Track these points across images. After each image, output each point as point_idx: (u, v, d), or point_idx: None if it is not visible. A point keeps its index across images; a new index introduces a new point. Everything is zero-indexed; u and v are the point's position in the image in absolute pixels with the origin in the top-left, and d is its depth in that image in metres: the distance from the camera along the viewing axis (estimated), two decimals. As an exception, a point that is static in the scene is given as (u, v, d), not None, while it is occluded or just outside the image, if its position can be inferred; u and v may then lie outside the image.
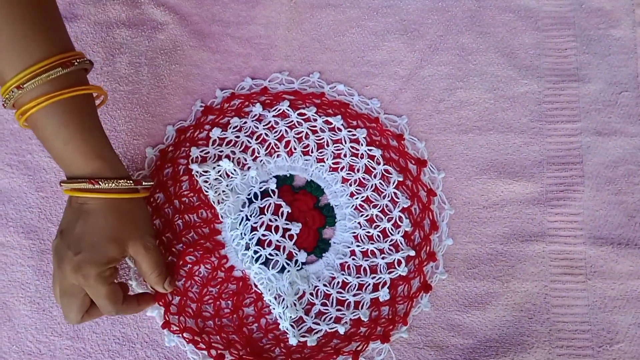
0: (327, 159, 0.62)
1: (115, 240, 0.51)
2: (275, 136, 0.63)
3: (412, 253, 0.59)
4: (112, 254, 0.51)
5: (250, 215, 0.60)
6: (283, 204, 0.60)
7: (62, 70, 0.48)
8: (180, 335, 0.57)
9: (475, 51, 0.67)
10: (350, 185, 0.62)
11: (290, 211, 0.60)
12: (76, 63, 0.50)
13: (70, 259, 0.50)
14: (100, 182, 0.50)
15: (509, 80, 0.66)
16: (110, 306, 0.51)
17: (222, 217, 0.60)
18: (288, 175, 0.62)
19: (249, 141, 0.63)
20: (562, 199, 0.62)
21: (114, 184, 0.51)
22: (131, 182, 0.52)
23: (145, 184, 0.54)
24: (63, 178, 0.61)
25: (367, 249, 0.60)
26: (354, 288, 0.59)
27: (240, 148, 0.63)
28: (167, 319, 0.57)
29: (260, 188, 0.61)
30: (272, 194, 0.61)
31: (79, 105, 0.50)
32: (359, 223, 0.61)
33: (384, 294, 0.58)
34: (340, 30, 0.68)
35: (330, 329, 0.57)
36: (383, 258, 0.59)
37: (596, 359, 0.57)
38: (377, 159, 0.62)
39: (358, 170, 0.62)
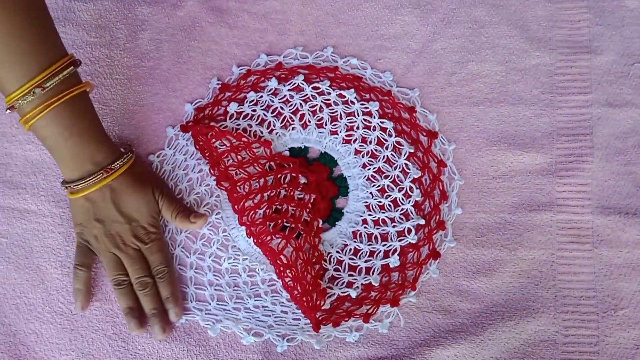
0: (340, 132, 0.64)
1: (148, 193, 0.60)
2: (290, 109, 0.65)
3: (422, 222, 0.62)
4: (152, 199, 0.60)
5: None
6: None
7: (60, 78, 0.53)
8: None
9: (488, 24, 0.68)
10: (363, 156, 0.64)
11: (305, 181, 0.63)
12: (69, 69, 0.54)
13: (125, 227, 0.59)
14: (113, 166, 0.58)
15: (520, 53, 0.67)
16: (165, 259, 0.60)
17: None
18: (303, 147, 0.65)
19: (265, 114, 0.65)
20: (571, 170, 0.63)
21: (121, 162, 0.58)
22: (129, 153, 0.60)
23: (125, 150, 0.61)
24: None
25: (379, 218, 0.62)
26: (366, 255, 0.61)
27: (256, 121, 0.65)
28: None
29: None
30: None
31: (76, 104, 0.55)
32: (371, 193, 0.63)
33: (394, 261, 0.61)
34: (354, 5, 0.69)
35: (342, 293, 0.60)
36: (394, 226, 0.62)
37: (601, 324, 0.59)
38: (389, 131, 0.64)
39: (370, 142, 0.64)
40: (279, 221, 0.61)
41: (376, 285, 0.60)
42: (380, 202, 0.62)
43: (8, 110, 0.54)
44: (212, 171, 0.63)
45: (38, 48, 0.52)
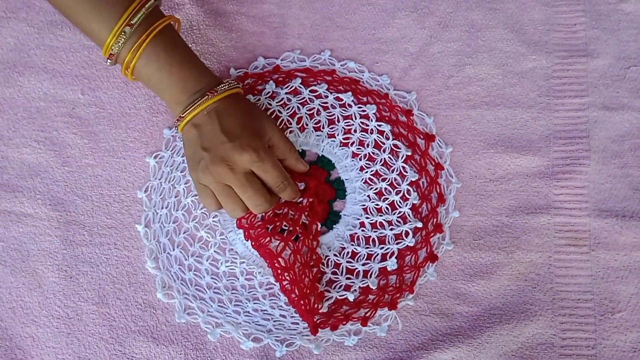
0: (337, 135, 0.65)
1: (257, 118, 0.58)
2: (287, 112, 0.65)
3: (420, 225, 0.62)
4: (264, 127, 0.58)
5: None
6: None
7: (144, 12, 0.55)
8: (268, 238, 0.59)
9: (485, 27, 0.68)
10: (360, 159, 0.64)
11: (304, 186, 0.63)
12: (150, 2, 0.55)
13: (233, 145, 0.55)
14: (217, 88, 0.56)
15: (517, 56, 0.67)
16: (281, 173, 0.57)
17: None
18: (300, 150, 0.65)
19: (262, 117, 0.65)
20: (568, 173, 0.63)
21: (227, 85, 0.57)
22: (236, 82, 0.59)
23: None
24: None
25: (376, 221, 0.62)
26: (363, 258, 0.61)
27: (254, 124, 0.65)
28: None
29: None
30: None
31: (168, 37, 0.57)
32: (368, 196, 0.63)
33: (391, 264, 0.61)
34: (351, 8, 0.69)
35: (340, 296, 0.60)
36: (391, 229, 0.62)
37: (598, 327, 0.59)
38: (387, 134, 0.64)
39: (368, 145, 0.64)
40: (277, 224, 0.61)
41: (374, 288, 0.60)
42: (377, 205, 0.63)
43: (109, 61, 0.56)
44: None
45: None
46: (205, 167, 0.55)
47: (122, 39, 0.55)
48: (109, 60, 0.57)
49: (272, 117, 0.65)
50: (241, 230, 0.61)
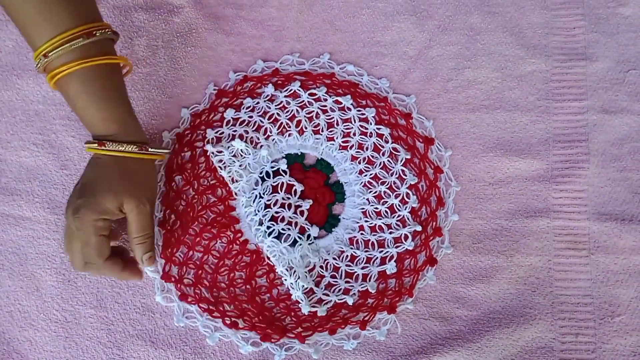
0: (337, 138, 0.64)
1: (113, 192, 0.54)
2: (286, 116, 0.65)
3: (419, 228, 0.61)
4: (107, 204, 0.54)
5: (263, 193, 0.62)
6: (295, 182, 0.63)
7: (84, 40, 0.53)
8: (197, 304, 0.60)
9: (484, 31, 0.68)
10: (360, 163, 0.64)
11: (302, 189, 0.63)
12: (98, 34, 0.54)
13: (73, 202, 0.54)
14: (107, 144, 0.55)
15: (516, 60, 0.67)
16: (94, 256, 0.54)
17: (236, 194, 0.63)
18: (299, 153, 0.65)
19: (261, 121, 0.65)
20: (567, 176, 0.63)
21: (119, 147, 0.55)
22: (138, 147, 0.56)
23: (154, 149, 0.57)
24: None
25: (375, 224, 0.62)
26: (362, 261, 0.61)
27: (253, 127, 0.65)
28: (183, 291, 0.60)
29: (272, 167, 0.63)
30: (283, 174, 0.63)
31: (102, 73, 0.54)
32: (367, 199, 0.63)
33: (391, 267, 0.60)
34: (350, 12, 0.69)
35: (339, 299, 0.59)
36: (390, 233, 0.62)
37: (598, 330, 0.59)
38: (386, 137, 0.64)
39: (367, 149, 0.64)
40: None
41: (373, 292, 0.60)
42: (376, 208, 0.62)
43: (37, 62, 0.54)
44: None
45: (66, 6, 0.53)
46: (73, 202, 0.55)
47: (59, 53, 0.52)
48: (38, 61, 0.54)
49: (271, 120, 0.65)
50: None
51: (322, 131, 0.65)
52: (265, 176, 0.63)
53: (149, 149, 0.57)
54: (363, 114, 0.65)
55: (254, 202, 0.62)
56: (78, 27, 0.53)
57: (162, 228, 0.62)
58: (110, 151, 0.55)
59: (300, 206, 0.62)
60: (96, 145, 0.55)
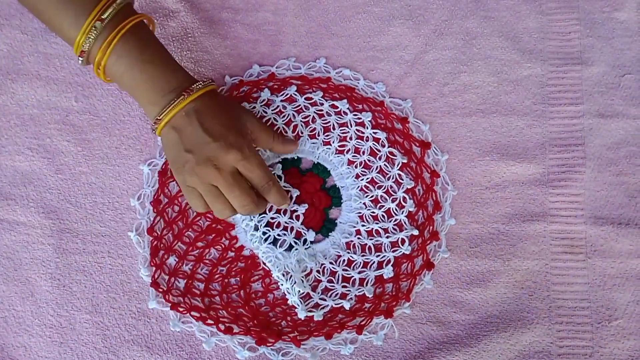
0: (333, 142, 0.64)
1: (237, 115, 0.57)
2: (283, 120, 0.65)
3: (416, 232, 0.61)
4: (245, 123, 0.57)
5: None
6: (291, 188, 0.62)
7: (115, 7, 0.53)
8: (188, 313, 0.59)
9: (480, 35, 0.68)
10: (356, 167, 0.64)
11: (298, 194, 0.62)
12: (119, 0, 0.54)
13: (218, 145, 0.54)
14: (192, 88, 0.55)
15: (512, 64, 0.67)
16: (266, 173, 0.57)
17: None
18: (295, 157, 0.65)
19: (257, 125, 0.65)
20: (563, 180, 0.63)
21: (201, 84, 0.56)
22: (210, 80, 0.57)
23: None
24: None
25: (372, 229, 0.62)
26: (359, 266, 0.61)
27: (249, 132, 0.65)
28: (171, 301, 0.60)
29: None
30: (278, 179, 0.63)
31: (139, 34, 0.55)
32: (364, 203, 0.63)
33: (388, 272, 0.60)
34: (346, 16, 0.69)
35: (336, 304, 0.59)
36: (387, 237, 0.61)
37: (595, 334, 0.59)
38: (382, 141, 0.64)
39: (363, 153, 0.64)
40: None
41: (370, 296, 0.60)
42: (373, 212, 0.62)
43: (80, 60, 0.55)
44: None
45: None
46: (191, 169, 0.55)
47: (93, 35, 0.53)
48: (80, 59, 0.55)
49: (268, 124, 0.65)
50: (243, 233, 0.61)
51: (319, 135, 0.65)
52: None
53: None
54: (359, 118, 0.65)
55: None
56: (101, 3, 0.53)
57: (150, 234, 0.62)
58: (200, 90, 0.55)
59: (296, 210, 0.62)
60: (181, 98, 0.54)
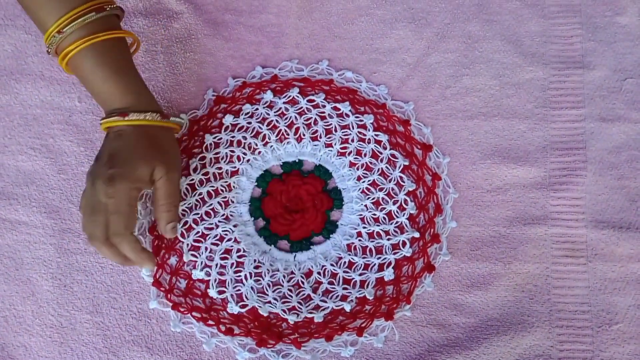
0: (335, 144, 0.64)
1: (145, 158, 0.55)
2: (285, 123, 0.65)
3: (417, 235, 0.61)
4: (141, 172, 0.55)
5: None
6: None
7: (95, 14, 0.54)
8: (189, 314, 0.59)
9: (482, 39, 0.68)
10: (358, 169, 0.64)
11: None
12: (108, 8, 0.56)
13: (104, 173, 0.54)
14: (130, 115, 0.56)
15: (514, 67, 0.67)
16: (122, 227, 0.54)
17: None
18: (297, 160, 0.65)
19: (260, 127, 0.65)
20: (564, 184, 0.63)
21: (143, 116, 0.56)
22: (160, 115, 0.57)
23: (174, 118, 0.60)
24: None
25: (373, 231, 0.62)
26: (360, 268, 0.61)
27: (251, 133, 0.65)
28: (173, 300, 0.60)
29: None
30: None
31: (113, 47, 0.56)
32: (365, 206, 0.63)
33: (388, 274, 0.60)
34: (349, 19, 0.69)
35: (336, 306, 0.59)
36: (388, 239, 0.62)
37: (595, 338, 0.59)
38: (384, 143, 0.64)
39: (365, 155, 0.64)
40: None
41: (370, 298, 0.60)
42: (374, 214, 0.62)
43: (48, 50, 0.56)
44: None
45: None
46: (96, 174, 0.55)
47: (73, 28, 0.54)
48: (49, 42, 0.55)
49: (270, 126, 0.65)
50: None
51: (321, 137, 0.65)
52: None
53: (170, 118, 0.59)
54: (361, 121, 0.65)
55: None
56: (87, 3, 0.54)
57: (152, 234, 0.62)
58: (134, 121, 0.56)
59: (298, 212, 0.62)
60: (117, 117, 0.55)
